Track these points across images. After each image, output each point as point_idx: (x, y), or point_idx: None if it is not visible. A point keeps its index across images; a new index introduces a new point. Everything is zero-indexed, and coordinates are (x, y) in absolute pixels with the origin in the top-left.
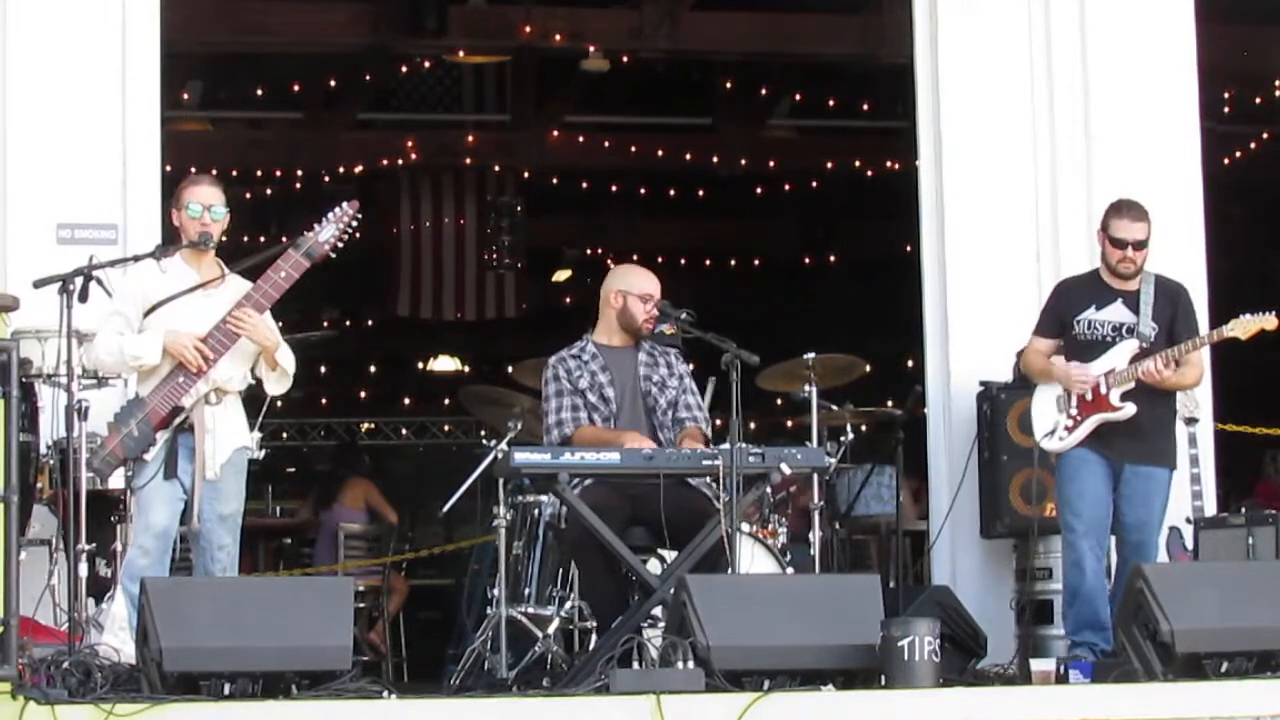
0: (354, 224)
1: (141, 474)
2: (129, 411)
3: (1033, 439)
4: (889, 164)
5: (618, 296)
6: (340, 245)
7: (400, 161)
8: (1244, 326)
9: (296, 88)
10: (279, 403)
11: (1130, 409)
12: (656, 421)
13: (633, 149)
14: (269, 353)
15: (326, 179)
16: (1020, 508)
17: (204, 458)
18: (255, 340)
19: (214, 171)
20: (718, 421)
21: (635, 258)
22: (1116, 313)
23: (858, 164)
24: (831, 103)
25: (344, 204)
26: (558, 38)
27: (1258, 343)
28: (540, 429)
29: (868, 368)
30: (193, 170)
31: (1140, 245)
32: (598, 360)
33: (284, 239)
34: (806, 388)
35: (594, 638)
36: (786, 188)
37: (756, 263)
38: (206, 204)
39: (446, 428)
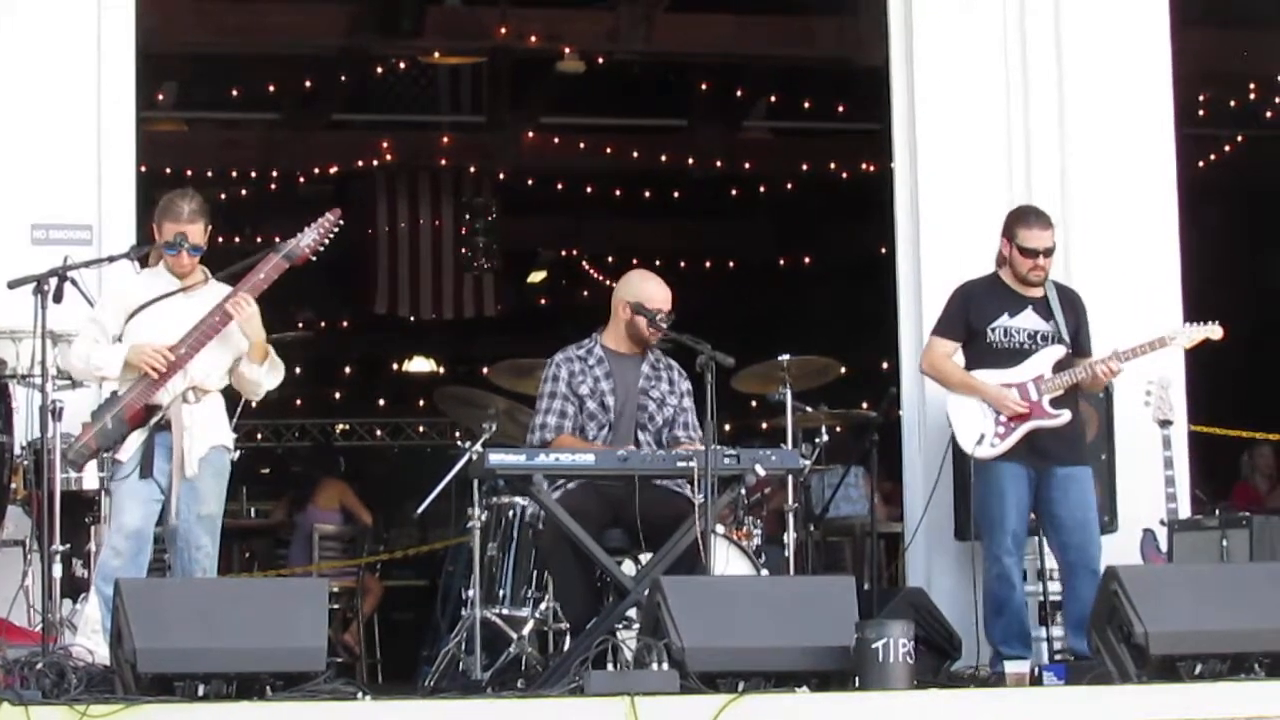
0: (335, 231)
1: (117, 473)
2: (105, 407)
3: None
4: (864, 166)
5: (625, 308)
6: (320, 250)
7: (376, 162)
8: (1188, 335)
9: (272, 89)
10: (253, 403)
11: (1066, 415)
12: (645, 438)
13: (608, 150)
14: (258, 347)
15: (302, 180)
16: None
17: (181, 455)
18: (246, 330)
19: (189, 173)
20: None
21: (610, 259)
22: (1030, 320)
23: (833, 166)
24: (807, 105)
25: (327, 213)
26: (533, 39)
27: (1235, 344)
28: (514, 430)
29: (843, 370)
30: (167, 171)
31: (1049, 253)
32: (603, 365)
33: (259, 240)
34: (781, 389)
35: (568, 639)
36: (762, 189)
37: (731, 264)
38: (186, 243)
39: (421, 429)
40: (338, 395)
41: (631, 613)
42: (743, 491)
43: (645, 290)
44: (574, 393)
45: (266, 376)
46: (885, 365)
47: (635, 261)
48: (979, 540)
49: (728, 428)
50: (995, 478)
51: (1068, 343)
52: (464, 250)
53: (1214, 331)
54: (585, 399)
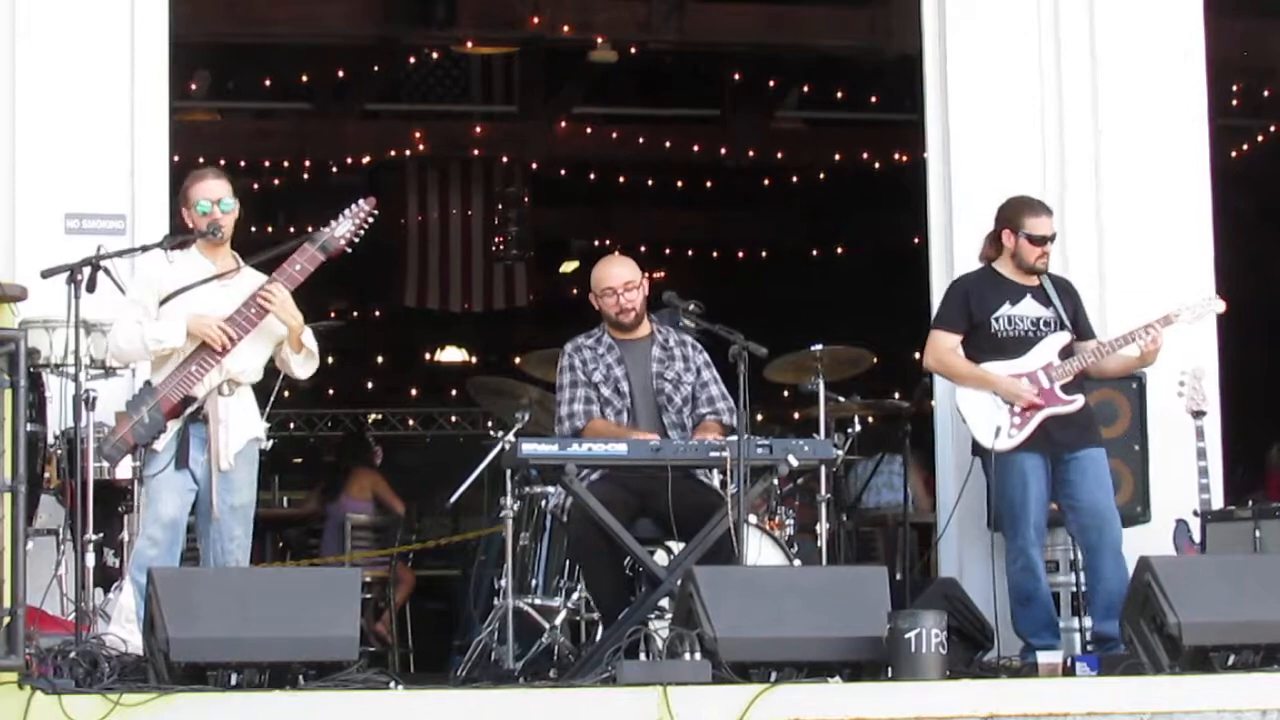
0: (370, 220)
1: (153, 464)
2: (140, 399)
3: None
4: (897, 156)
5: (595, 300)
6: (356, 241)
7: (408, 152)
8: (1193, 311)
9: (305, 78)
10: (286, 393)
11: (1080, 400)
12: (669, 420)
13: (640, 140)
14: (295, 332)
15: (334, 170)
16: None
17: (218, 448)
18: (282, 317)
19: (222, 162)
20: None
21: (642, 249)
22: (1031, 308)
23: (865, 156)
24: (839, 95)
25: (360, 201)
26: (566, 29)
27: (1267, 332)
28: (547, 420)
29: (875, 360)
30: (200, 161)
31: (1053, 239)
32: (614, 352)
33: (291, 230)
34: (814, 379)
35: (600, 629)
36: (794, 179)
37: (764, 254)
38: (214, 199)
39: (454, 419)
40: (370, 385)
41: (664, 603)
42: (775, 482)
43: (603, 276)
44: (589, 379)
45: (301, 367)
46: (918, 355)
47: (667, 251)
48: (1001, 533)
49: (760, 418)
50: (1016, 469)
51: (1070, 328)
52: (495, 240)
53: (1216, 305)
54: (599, 385)
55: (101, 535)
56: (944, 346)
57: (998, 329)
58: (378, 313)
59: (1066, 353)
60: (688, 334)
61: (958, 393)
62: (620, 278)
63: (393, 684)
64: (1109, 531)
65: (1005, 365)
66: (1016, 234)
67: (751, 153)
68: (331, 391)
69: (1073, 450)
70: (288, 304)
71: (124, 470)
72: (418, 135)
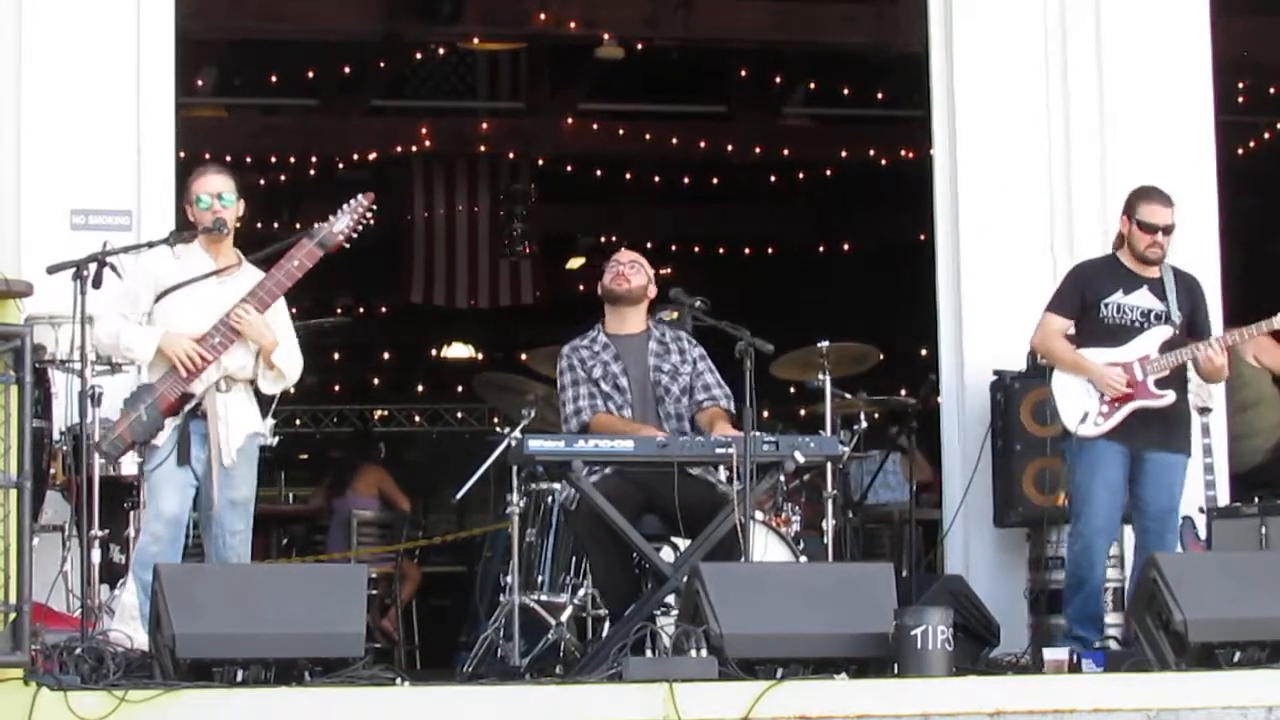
0: (369, 216)
1: (152, 459)
2: (139, 396)
3: (1050, 426)
4: (903, 153)
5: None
6: (355, 236)
7: (414, 149)
8: None
9: (311, 74)
10: (292, 389)
11: (1170, 396)
12: (664, 411)
13: (647, 137)
14: (265, 352)
15: (340, 166)
16: (1034, 497)
17: (219, 444)
18: (251, 338)
19: (228, 158)
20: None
21: (649, 245)
22: (1144, 298)
23: (872, 153)
24: (846, 91)
25: (359, 196)
26: (572, 25)
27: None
28: (553, 416)
29: (881, 357)
30: (207, 157)
31: (1169, 230)
32: (609, 350)
33: (297, 226)
34: (820, 376)
35: (607, 625)
36: (801, 176)
37: (770, 251)
38: (215, 193)
39: (460, 415)
40: (376, 381)
41: (670, 599)
42: (781, 478)
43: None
44: (589, 376)
45: (270, 384)
46: (924, 352)
47: (674, 248)
48: (1069, 517)
49: (766, 414)
50: (1093, 456)
51: (1177, 324)
52: (501, 237)
53: None
54: (599, 381)
55: (107, 531)
56: (1050, 329)
57: (1105, 315)
58: (384, 309)
59: (1168, 347)
60: (683, 330)
61: (1053, 375)
62: (627, 254)
63: (399, 680)
64: (1165, 538)
65: (1104, 353)
66: (1131, 219)
67: (758, 149)
68: (338, 388)
69: (1155, 449)
70: (255, 325)
71: (129, 466)
72: (424, 132)
